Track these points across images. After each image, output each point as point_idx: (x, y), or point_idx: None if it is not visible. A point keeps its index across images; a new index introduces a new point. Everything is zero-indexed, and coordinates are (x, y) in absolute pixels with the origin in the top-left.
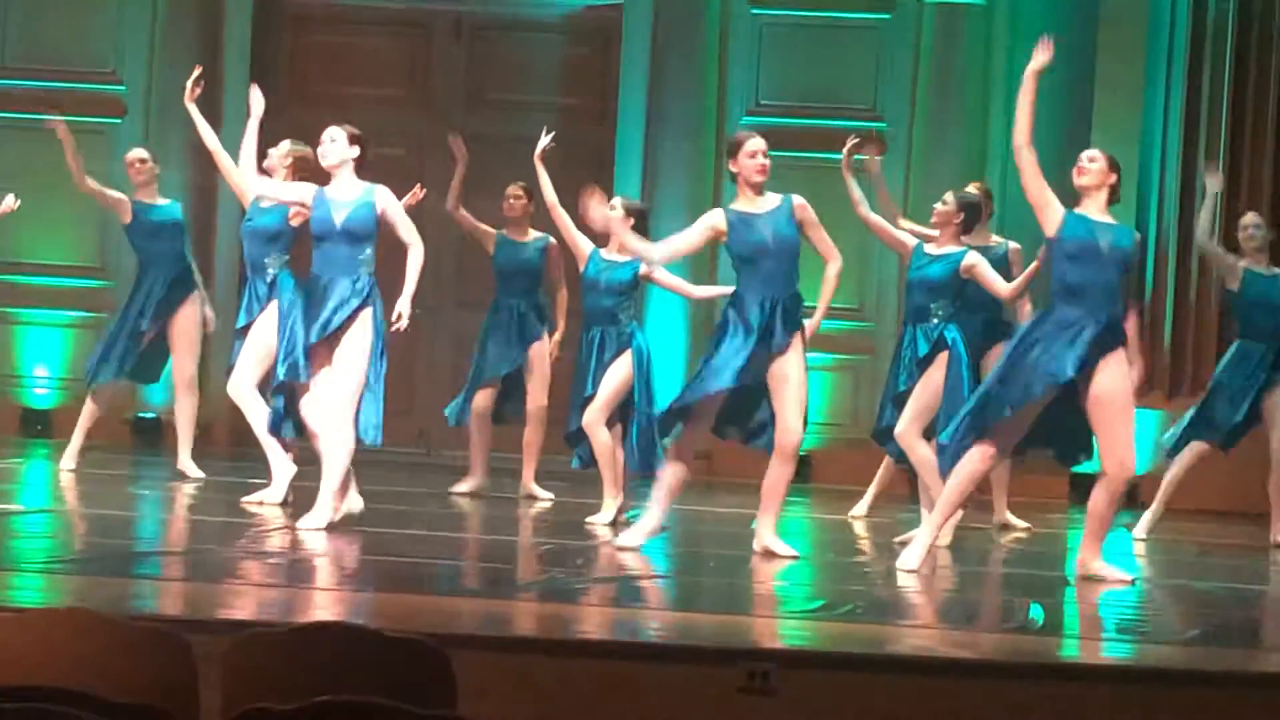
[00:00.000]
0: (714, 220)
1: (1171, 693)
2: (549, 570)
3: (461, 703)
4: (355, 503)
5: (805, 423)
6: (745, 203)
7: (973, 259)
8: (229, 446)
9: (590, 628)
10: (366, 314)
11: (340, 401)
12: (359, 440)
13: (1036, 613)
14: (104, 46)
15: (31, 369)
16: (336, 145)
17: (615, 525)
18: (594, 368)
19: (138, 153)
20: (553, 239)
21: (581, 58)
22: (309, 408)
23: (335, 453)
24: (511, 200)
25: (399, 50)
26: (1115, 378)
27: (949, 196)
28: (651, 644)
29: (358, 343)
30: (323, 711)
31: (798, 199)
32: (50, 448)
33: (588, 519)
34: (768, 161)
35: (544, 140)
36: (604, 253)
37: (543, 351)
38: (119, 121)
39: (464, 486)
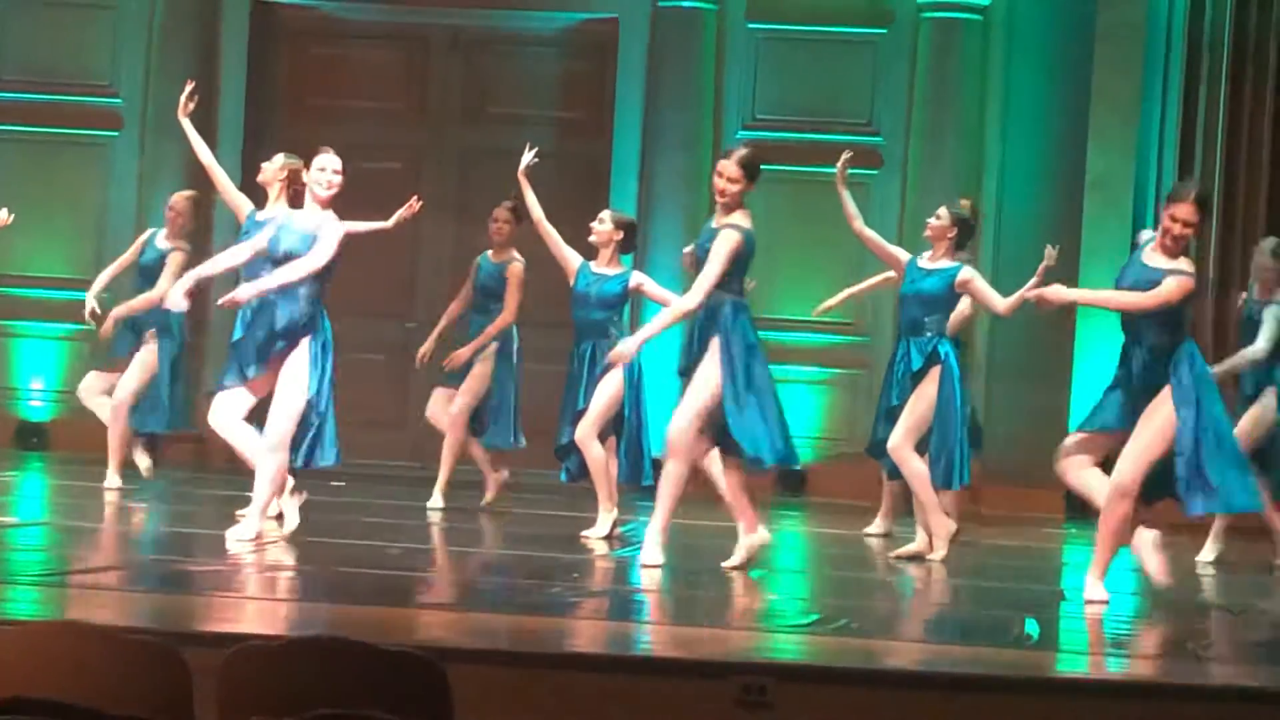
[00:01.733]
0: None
1: (1166, 707)
2: (544, 584)
3: (457, 716)
4: (290, 520)
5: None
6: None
7: (968, 273)
8: (222, 460)
9: (585, 641)
10: (304, 343)
11: (277, 425)
12: (308, 464)
13: (1032, 627)
14: (101, 60)
15: (27, 381)
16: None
17: (610, 539)
18: (585, 381)
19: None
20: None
21: (578, 71)
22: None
23: (267, 470)
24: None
25: (396, 64)
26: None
27: (942, 211)
28: (647, 657)
29: (295, 371)
30: None
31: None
32: (45, 460)
33: (583, 533)
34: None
35: (527, 156)
36: (594, 266)
37: None
38: (115, 135)
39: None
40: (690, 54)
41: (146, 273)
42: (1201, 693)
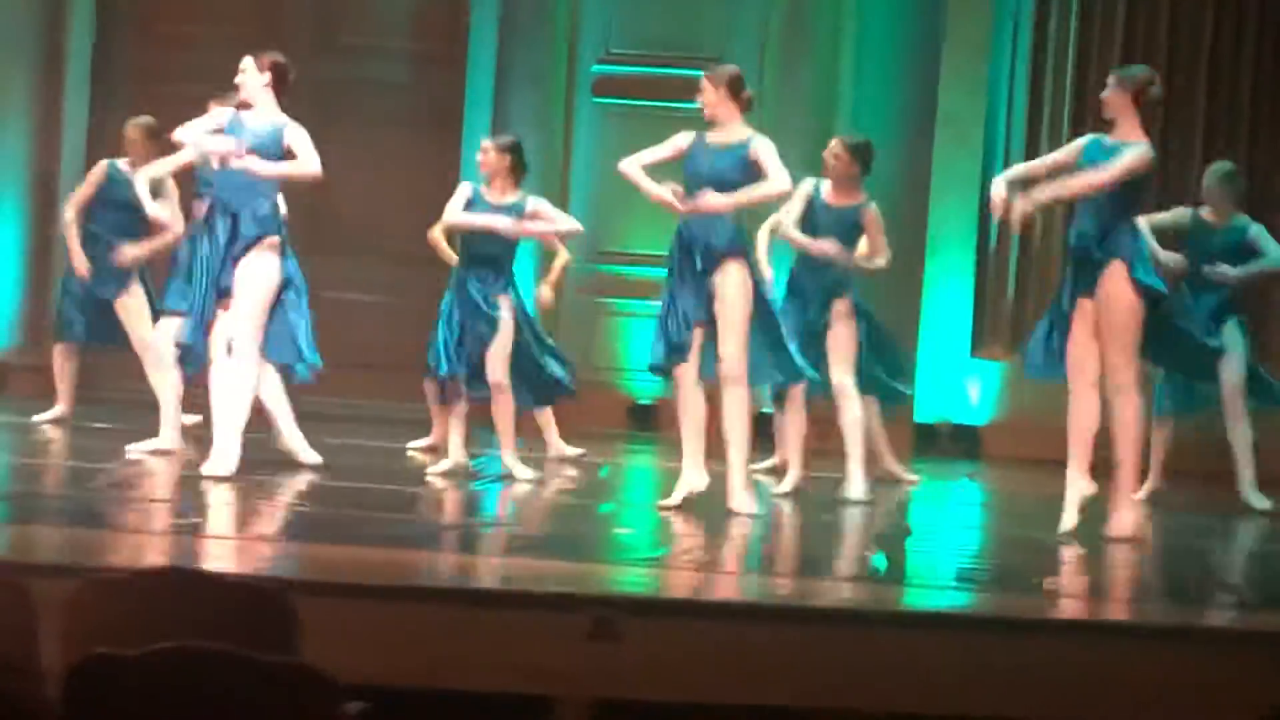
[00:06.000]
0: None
1: (1010, 641)
2: (397, 516)
3: (304, 649)
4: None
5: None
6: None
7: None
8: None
9: (435, 574)
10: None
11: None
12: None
13: (879, 561)
14: None
15: None
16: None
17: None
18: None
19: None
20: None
21: (432, 2)
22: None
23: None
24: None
25: None
26: None
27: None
28: (497, 591)
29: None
30: (166, 657)
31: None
32: None
33: (428, 469)
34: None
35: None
36: (487, 194)
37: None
38: None
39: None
40: None
41: (121, 205)
42: (1044, 626)
